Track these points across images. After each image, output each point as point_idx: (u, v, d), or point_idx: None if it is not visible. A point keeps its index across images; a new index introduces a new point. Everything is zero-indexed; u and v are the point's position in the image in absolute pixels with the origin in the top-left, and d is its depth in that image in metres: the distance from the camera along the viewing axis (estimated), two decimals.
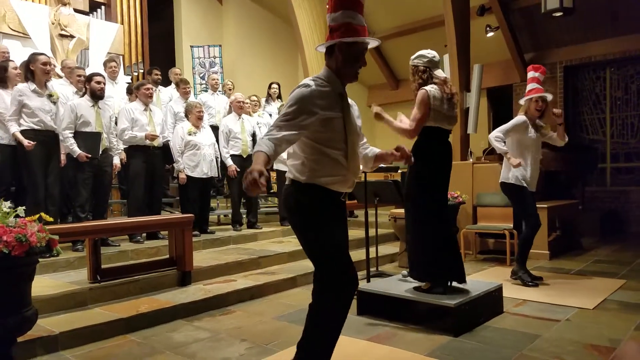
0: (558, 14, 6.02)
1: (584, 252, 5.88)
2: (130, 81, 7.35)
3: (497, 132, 4.13)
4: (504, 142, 4.13)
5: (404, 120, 3.25)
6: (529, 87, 4.22)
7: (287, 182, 2.09)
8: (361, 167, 2.32)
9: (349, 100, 2.12)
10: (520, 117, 4.19)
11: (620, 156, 8.22)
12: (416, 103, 3.19)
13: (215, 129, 6.09)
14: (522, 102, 4.29)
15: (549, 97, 4.21)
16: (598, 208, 7.84)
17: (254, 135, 6.05)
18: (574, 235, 6.31)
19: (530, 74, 4.26)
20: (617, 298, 3.75)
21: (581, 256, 5.62)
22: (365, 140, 2.31)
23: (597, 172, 8.07)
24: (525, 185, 4.12)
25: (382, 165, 2.40)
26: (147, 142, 4.92)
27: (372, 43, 2.06)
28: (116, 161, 4.83)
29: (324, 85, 1.99)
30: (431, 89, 3.17)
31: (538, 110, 4.14)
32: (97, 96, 4.59)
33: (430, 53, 3.27)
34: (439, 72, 3.27)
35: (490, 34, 8.25)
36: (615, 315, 3.32)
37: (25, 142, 4.14)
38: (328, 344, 2.05)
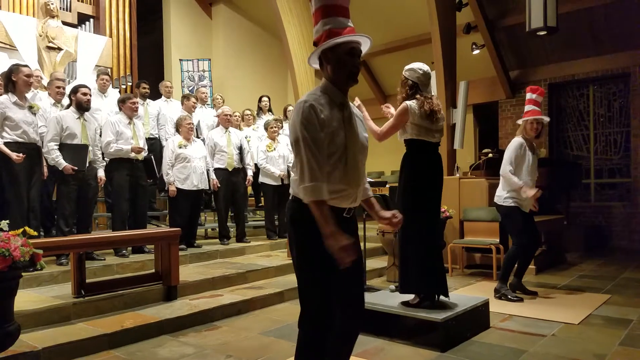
0: (542, 33, 6.17)
1: (569, 267, 5.95)
2: (118, 93, 7.31)
3: (508, 166, 4.13)
4: (514, 173, 4.14)
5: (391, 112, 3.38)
6: (527, 108, 4.28)
7: (291, 198, 1.99)
8: None
9: (355, 110, 2.04)
10: (516, 141, 4.24)
11: (604, 172, 8.38)
12: (395, 114, 3.30)
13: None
14: (519, 122, 4.36)
15: (546, 119, 4.30)
16: (582, 223, 7.96)
17: (240, 149, 6.04)
18: (559, 250, 6.38)
19: (528, 95, 4.33)
20: (602, 313, 3.79)
21: (566, 271, 5.69)
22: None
23: (582, 187, 8.21)
24: (518, 205, 4.16)
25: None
26: (132, 155, 4.88)
27: (362, 41, 1.93)
28: (100, 174, 4.77)
29: (321, 97, 1.89)
30: (411, 103, 3.23)
31: (533, 130, 4.21)
32: (83, 108, 4.56)
33: (421, 69, 3.30)
34: (427, 91, 3.30)
35: (476, 52, 8.44)
36: (600, 330, 3.36)
37: (14, 155, 4.07)
38: None
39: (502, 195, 4.24)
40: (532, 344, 3.08)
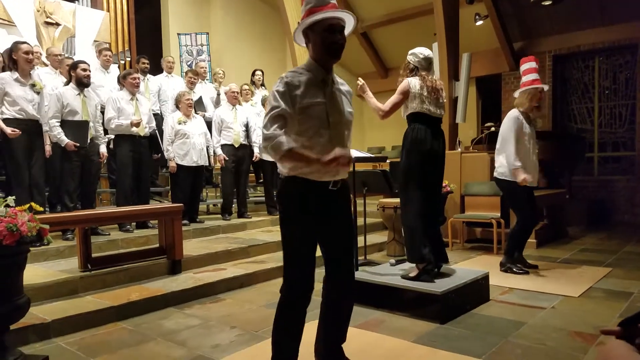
0: (547, 3, 6.06)
1: (571, 241, 5.99)
2: (118, 70, 7.25)
3: (512, 144, 4.01)
4: (516, 155, 4.03)
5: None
6: (531, 77, 4.14)
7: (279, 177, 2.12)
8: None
9: (346, 87, 2.11)
10: (513, 115, 4.08)
11: (608, 145, 8.34)
12: (397, 90, 3.32)
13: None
14: (516, 94, 4.23)
15: (545, 87, 4.23)
16: (585, 197, 7.96)
17: (247, 126, 6.06)
18: (561, 224, 6.40)
19: (527, 65, 4.21)
20: (602, 286, 3.82)
21: (568, 245, 5.72)
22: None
23: (585, 161, 8.18)
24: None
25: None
26: (134, 130, 4.88)
27: (335, 14, 1.93)
28: (103, 150, 4.80)
29: (301, 73, 1.96)
30: (412, 78, 3.30)
31: (538, 101, 4.09)
32: (83, 84, 4.55)
33: (422, 53, 3.34)
34: (428, 75, 3.33)
35: (479, 23, 8.27)
36: (600, 303, 3.39)
37: (8, 130, 4.09)
38: (278, 343, 2.06)
39: (502, 171, 4.15)
40: (531, 316, 3.13)
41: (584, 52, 8.32)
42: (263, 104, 6.46)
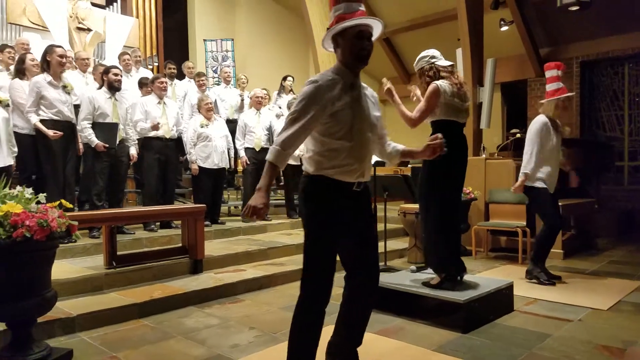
0: (574, 8, 5.92)
1: (599, 253, 5.80)
2: (147, 74, 7.41)
3: (532, 147, 4.04)
4: (532, 163, 4.06)
5: (417, 94, 3.31)
6: (553, 86, 4.11)
7: (302, 173, 2.13)
8: (387, 163, 2.38)
9: (371, 91, 2.16)
10: (540, 121, 4.07)
11: (639, 154, 8.08)
12: (425, 96, 3.21)
13: (228, 122, 6.20)
14: (543, 101, 4.19)
15: (571, 94, 4.18)
16: (615, 207, 7.70)
17: (269, 129, 6.14)
18: (589, 234, 6.21)
19: (552, 72, 4.16)
20: (632, 300, 3.67)
21: (596, 256, 5.54)
22: (385, 134, 2.28)
23: (614, 170, 7.95)
24: (546, 187, 4.07)
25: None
26: (160, 133, 5.01)
27: (372, 24, 2.00)
28: (132, 151, 4.92)
29: (331, 77, 2.00)
30: (441, 82, 3.18)
31: (565, 109, 4.10)
32: (114, 88, 4.69)
33: (426, 52, 3.31)
34: (442, 62, 3.27)
35: (504, 28, 8.16)
36: (629, 317, 3.26)
37: (50, 132, 4.23)
38: (295, 348, 2.07)
39: (534, 178, 4.09)
40: (557, 328, 3.03)
41: (613, 58, 8.11)
42: (289, 108, 6.49)
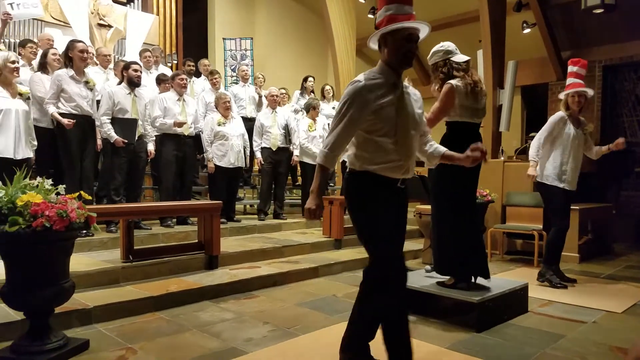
0: (599, 11, 5.84)
1: (616, 257, 5.72)
2: (165, 71, 7.51)
3: (540, 136, 4.10)
4: (539, 149, 4.09)
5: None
6: (568, 81, 4.13)
7: (347, 171, 2.20)
8: (425, 162, 2.43)
9: (412, 90, 2.21)
10: (558, 114, 4.10)
11: None
12: (440, 97, 3.17)
13: (245, 120, 6.24)
14: (561, 96, 4.18)
15: (590, 92, 4.08)
16: (633, 213, 7.57)
17: (286, 128, 6.15)
18: (606, 239, 6.13)
19: (570, 68, 4.17)
20: None
21: (612, 261, 5.48)
22: (427, 132, 2.34)
23: (634, 176, 7.80)
24: (559, 185, 4.03)
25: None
26: (178, 130, 5.06)
27: (420, 27, 2.07)
28: (150, 147, 4.98)
29: (375, 77, 2.06)
30: (456, 82, 3.13)
31: (576, 103, 4.03)
32: (134, 84, 4.75)
33: (442, 45, 3.23)
34: (457, 57, 3.20)
35: (526, 31, 8.08)
36: None
37: (65, 121, 4.30)
38: (366, 325, 2.15)
39: (546, 174, 4.10)
40: (571, 329, 3.02)
41: (637, 63, 7.96)
42: (307, 109, 6.47)
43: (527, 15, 7.94)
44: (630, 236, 6.95)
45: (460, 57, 3.21)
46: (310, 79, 7.41)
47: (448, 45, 3.22)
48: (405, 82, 2.19)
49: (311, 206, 2.05)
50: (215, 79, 6.55)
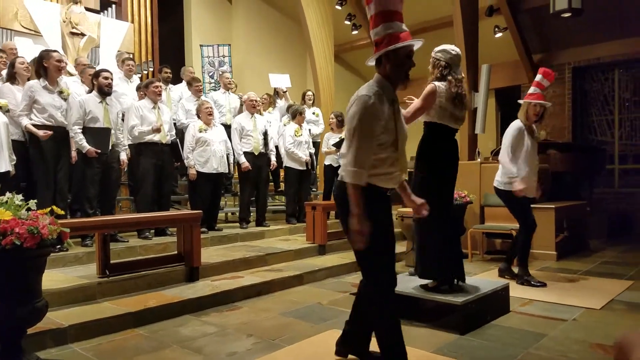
0: (566, 15, 6.00)
1: (592, 254, 5.86)
2: (139, 79, 7.39)
3: (506, 153, 4.07)
4: (513, 163, 4.08)
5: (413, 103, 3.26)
6: (531, 90, 4.18)
7: (338, 179, 2.24)
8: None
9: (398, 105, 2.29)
10: (516, 125, 4.12)
11: (629, 157, 8.18)
12: (422, 95, 3.20)
13: (226, 127, 6.17)
14: (521, 101, 4.24)
15: (548, 105, 4.17)
16: (606, 210, 7.80)
17: (265, 134, 6.10)
18: (582, 236, 6.28)
19: (538, 77, 4.22)
20: (624, 299, 3.74)
21: (588, 257, 5.60)
22: None
23: (605, 173, 8.03)
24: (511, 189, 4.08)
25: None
26: (156, 138, 4.96)
27: (417, 44, 2.16)
28: (123, 157, 4.87)
29: (378, 91, 2.12)
30: (440, 84, 3.17)
31: (535, 115, 4.12)
32: (104, 92, 4.64)
33: (454, 49, 3.24)
34: (458, 72, 3.24)
35: (498, 35, 8.26)
36: (622, 316, 3.32)
37: (41, 132, 4.18)
38: (395, 331, 2.24)
39: (502, 181, 4.16)
40: (552, 328, 3.07)
41: (604, 64, 8.23)
42: (294, 116, 6.41)
43: (499, 19, 8.13)
44: (603, 232, 7.14)
45: (459, 73, 3.24)
46: (309, 93, 7.37)
47: (457, 53, 3.24)
48: None
49: (363, 229, 2.03)
50: (199, 86, 6.48)
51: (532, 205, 4.27)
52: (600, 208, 7.77)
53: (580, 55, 8.31)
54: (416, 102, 3.21)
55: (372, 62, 2.22)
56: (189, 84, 6.54)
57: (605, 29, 7.78)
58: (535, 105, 4.10)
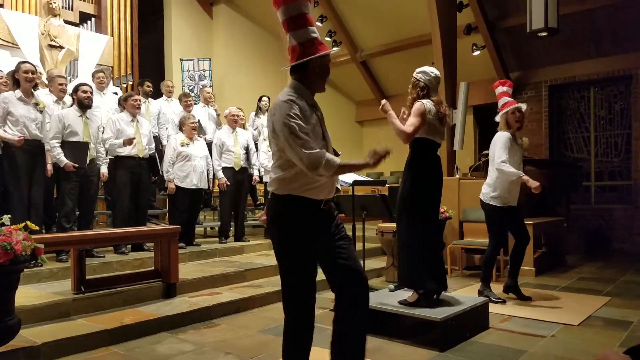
0: (543, 34, 6.17)
1: (569, 270, 5.94)
2: (117, 92, 7.33)
3: (503, 158, 4.03)
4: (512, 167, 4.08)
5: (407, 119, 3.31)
6: (501, 101, 4.22)
7: (269, 196, 2.16)
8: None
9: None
10: (504, 135, 4.14)
11: (605, 174, 8.37)
12: (413, 113, 3.26)
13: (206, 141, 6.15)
14: (497, 118, 4.26)
15: (524, 106, 4.21)
16: (583, 226, 7.94)
17: (247, 149, 6.08)
18: (559, 252, 6.37)
19: (499, 89, 4.28)
20: (602, 315, 3.78)
21: (566, 273, 5.68)
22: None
23: (582, 190, 8.20)
24: (502, 205, 4.11)
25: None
26: (133, 152, 4.90)
27: (333, 49, 2.17)
28: (103, 170, 4.80)
29: (299, 97, 2.06)
30: (427, 102, 3.27)
31: (517, 122, 4.14)
32: (84, 106, 4.59)
33: (434, 72, 3.37)
34: (436, 94, 3.36)
35: (476, 53, 8.45)
36: (600, 332, 3.35)
37: (15, 138, 4.10)
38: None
39: (488, 193, 4.16)
40: (531, 344, 3.08)
41: (580, 83, 8.46)
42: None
43: (477, 38, 8.32)
44: (580, 248, 7.27)
45: (436, 97, 3.36)
46: (265, 98, 7.35)
47: (436, 75, 3.37)
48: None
49: (376, 153, 2.01)
50: (189, 101, 6.43)
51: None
52: (577, 224, 7.91)
53: (557, 74, 8.53)
54: (412, 120, 3.24)
55: (287, 68, 2.16)
56: (180, 100, 6.51)
57: (581, 48, 8.04)
58: (513, 112, 4.13)
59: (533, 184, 3.97)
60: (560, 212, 7.23)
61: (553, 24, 5.99)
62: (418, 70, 3.41)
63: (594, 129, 8.46)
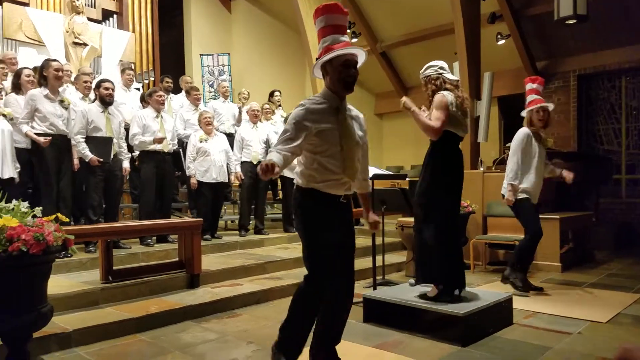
0: (571, 22, 5.97)
1: (597, 265, 5.77)
2: (139, 89, 7.44)
3: (514, 160, 4.10)
4: (517, 173, 4.09)
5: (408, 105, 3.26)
6: (529, 98, 4.20)
7: (294, 187, 2.36)
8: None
9: (356, 113, 2.40)
10: (523, 132, 4.14)
11: (636, 167, 8.10)
12: (435, 107, 3.18)
13: (227, 135, 6.21)
14: (523, 113, 4.26)
15: (551, 106, 4.18)
16: (612, 220, 7.70)
17: (267, 143, 6.14)
18: (587, 247, 6.20)
19: (528, 85, 4.25)
20: (631, 312, 3.66)
21: (594, 269, 5.52)
22: (364, 157, 2.45)
23: (612, 183, 7.96)
24: (527, 197, 4.08)
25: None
26: (158, 147, 5.00)
27: (350, 51, 2.21)
28: (125, 165, 4.90)
29: (319, 102, 2.25)
30: (448, 94, 3.18)
31: (541, 121, 4.12)
32: (106, 102, 4.69)
33: (436, 62, 3.33)
34: (449, 76, 3.29)
35: (501, 42, 8.23)
36: (629, 330, 3.25)
37: (41, 139, 4.23)
38: (298, 333, 2.37)
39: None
40: (557, 341, 3.01)
41: (610, 72, 8.18)
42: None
43: (501, 26, 8.10)
44: (610, 244, 7.05)
45: (451, 76, 3.31)
46: (277, 93, 7.46)
47: (442, 63, 3.34)
48: (350, 106, 2.36)
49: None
50: (197, 94, 6.53)
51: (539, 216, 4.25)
52: (607, 219, 7.67)
53: (586, 63, 8.26)
54: (437, 114, 3.16)
55: (319, 75, 2.33)
56: (188, 93, 6.59)
57: (612, 36, 7.74)
58: (537, 110, 4.10)
59: (510, 196, 4.08)
60: (588, 206, 7.04)
61: (582, 10, 5.79)
62: (423, 70, 3.37)
63: (625, 120, 8.19)
